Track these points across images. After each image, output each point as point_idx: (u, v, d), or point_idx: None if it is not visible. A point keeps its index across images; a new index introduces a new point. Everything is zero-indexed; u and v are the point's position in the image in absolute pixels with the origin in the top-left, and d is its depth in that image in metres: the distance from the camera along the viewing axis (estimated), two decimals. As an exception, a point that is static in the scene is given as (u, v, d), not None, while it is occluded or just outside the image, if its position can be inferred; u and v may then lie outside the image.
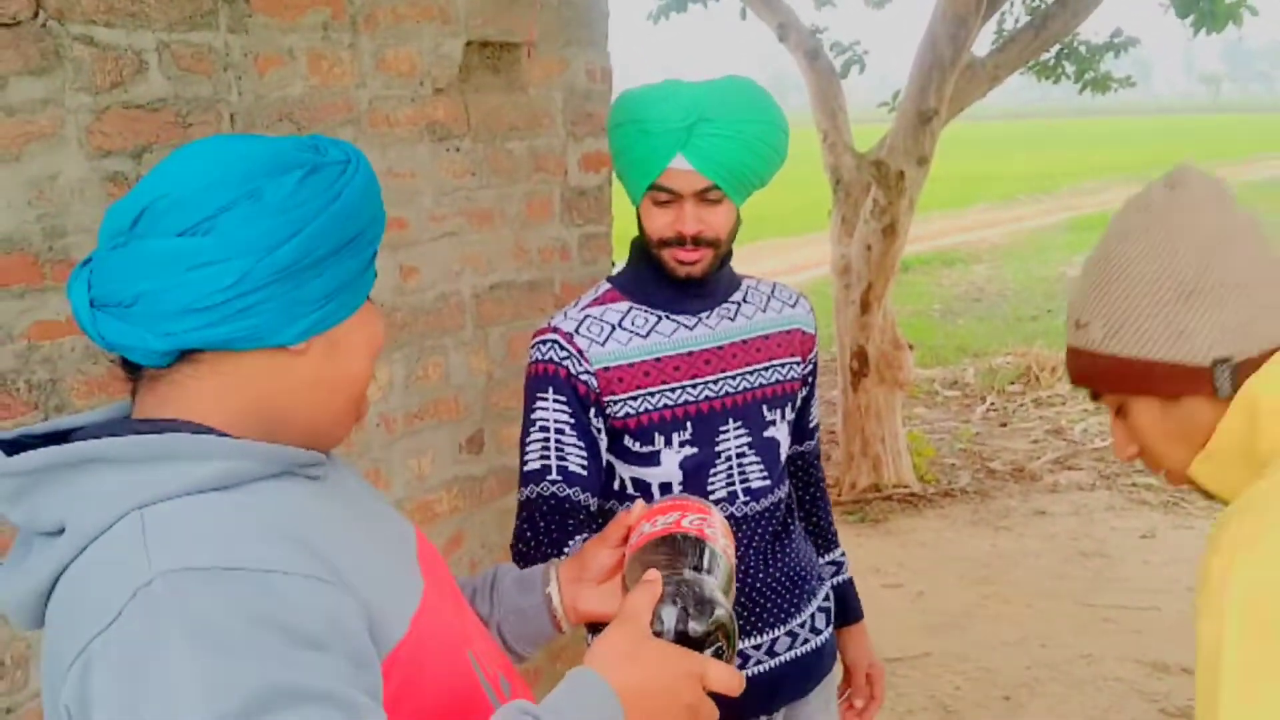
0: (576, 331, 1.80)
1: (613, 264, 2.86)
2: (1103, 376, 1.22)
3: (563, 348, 1.79)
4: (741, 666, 1.85)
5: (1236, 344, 1.14)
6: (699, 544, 1.15)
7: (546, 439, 1.76)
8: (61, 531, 0.95)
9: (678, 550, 1.14)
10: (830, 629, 2.00)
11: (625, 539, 1.28)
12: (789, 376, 1.91)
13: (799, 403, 1.98)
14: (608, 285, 1.89)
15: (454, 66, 2.42)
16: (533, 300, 2.67)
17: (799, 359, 1.94)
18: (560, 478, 1.75)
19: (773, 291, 1.96)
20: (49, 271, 1.81)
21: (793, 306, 1.96)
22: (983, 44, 6.43)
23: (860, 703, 2.05)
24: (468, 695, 1.07)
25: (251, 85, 2.07)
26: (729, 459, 1.83)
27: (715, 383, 1.83)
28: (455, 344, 2.51)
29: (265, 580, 0.90)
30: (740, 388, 1.85)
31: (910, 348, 6.24)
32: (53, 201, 1.81)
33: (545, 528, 1.74)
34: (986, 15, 5.95)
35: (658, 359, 1.80)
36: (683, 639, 1.02)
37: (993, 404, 7.91)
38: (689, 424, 1.80)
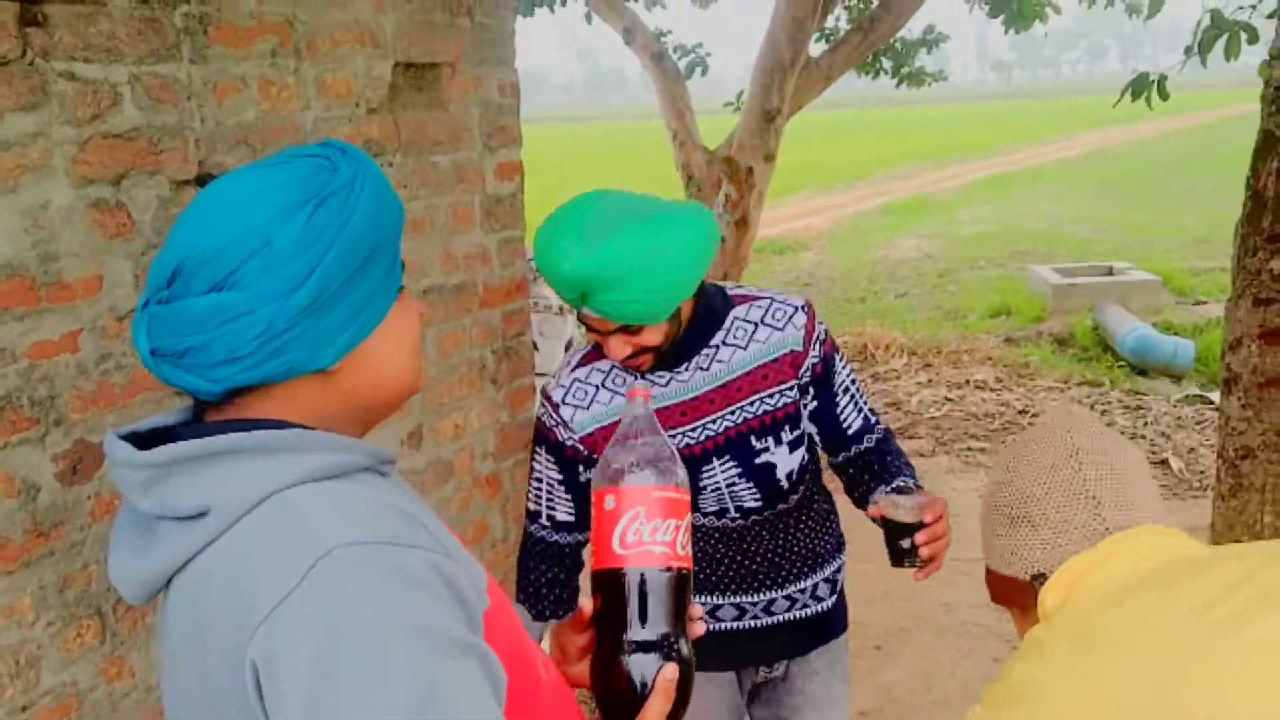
0: (564, 401, 1.98)
1: (530, 266, 3.07)
2: (989, 588, 1.41)
3: (552, 416, 1.99)
4: (738, 619, 2.06)
5: (1048, 563, 1.29)
6: (673, 582, 1.27)
7: (540, 488, 2.05)
8: (203, 514, 1.04)
9: (663, 597, 1.26)
10: (834, 598, 2.13)
11: (587, 622, 1.37)
12: (779, 404, 1.94)
13: (808, 411, 1.99)
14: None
15: (384, 87, 2.60)
16: (460, 302, 2.87)
17: (791, 382, 1.95)
18: (549, 524, 2.05)
19: (763, 317, 1.96)
20: (44, 294, 1.92)
21: (781, 330, 1.95)
22: (811, 46, 6.85)
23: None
24: (525, 661, 1.22)
25: (212, 112, 2.20)
26: (717, 489, 1.95)
27: (694, 430, 1.93)
28: (394, 346, 2.68)
29: (413, 553, 1.04)
30: (721, 429, 1.93)
31: (764, 332, 6.61)
32: (45, 228, 1.92)
33: (536, 565, 2.07)
34: (820, 19, 6.36)
35: None
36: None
37: (835, 382, 8.39)
38: None
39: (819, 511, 2.11)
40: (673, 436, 1.92)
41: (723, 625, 2.05)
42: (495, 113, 2.93)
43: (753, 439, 1.94)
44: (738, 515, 1.99)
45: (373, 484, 1.12)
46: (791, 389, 1.96)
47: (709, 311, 1.94)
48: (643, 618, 1.25)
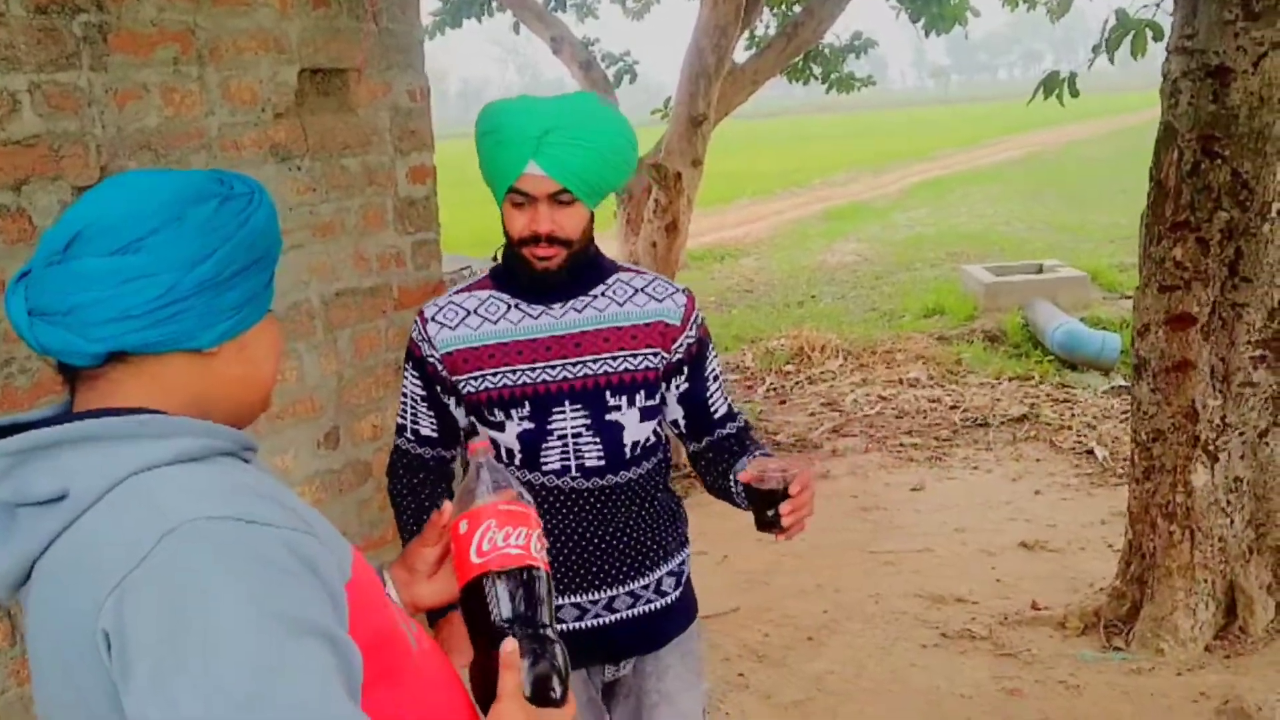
0: (433, 319, 2.05)
1: (442, 270, 3.11)
2: None
3: (420, 331, 2.06)
4: (579, 619, 2.07)
5: None
6: (533, 580, 1.32)
7: (405, 403, 2.14)
8: (60, 498, 1.07)
9: (525, 593, 1.31)
10: (680, 590, 2.15)
11: (440, 536, 1.44)
12: (641, 366, 2.02)
13: (678, 392, 2.10)
14: (486, 274, 2.10)
15: (290, 93, 2.63)
16: (374, 304, 2.90)
17: (657, 349, 2.04)
18: (413, 438, 2.14)
19: (645, 287, 2.07)
20: (-56, 299, 1.94)
21: (660, 301, 2.06)
22: (739, 52, 6.95)
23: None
24: (391, 629, 1.27)
25: (113, 118, 2.23)
26: (564, 437, 2.01)
27: (553, 367, 2.00)
28: (308, 348, 2.72)
29: (266, 531, 1.08)
30: (580, 374, 2.00)
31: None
32: (-56, 234, 1.94)
33: (403, 476, 2.14)
34: (744, 25, 6.45)
35: (503, 343, 2.00)
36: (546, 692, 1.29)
37: (772, 384, 8.49)
38: (526, 402, 1.99)
39: (663, 507, 2.14)
40: (531, 370, 2.00)
41: (564, 626, 2.05)
42: (405, 117, 2.98)
43: (608, 394, 2.01)
44: (579, 474, 2.02)
45: (233, 467, 1.17)
46: (656, 355, 2.04)
47: (596, 262, 2.06)
48: (509, 614, 1.29)
